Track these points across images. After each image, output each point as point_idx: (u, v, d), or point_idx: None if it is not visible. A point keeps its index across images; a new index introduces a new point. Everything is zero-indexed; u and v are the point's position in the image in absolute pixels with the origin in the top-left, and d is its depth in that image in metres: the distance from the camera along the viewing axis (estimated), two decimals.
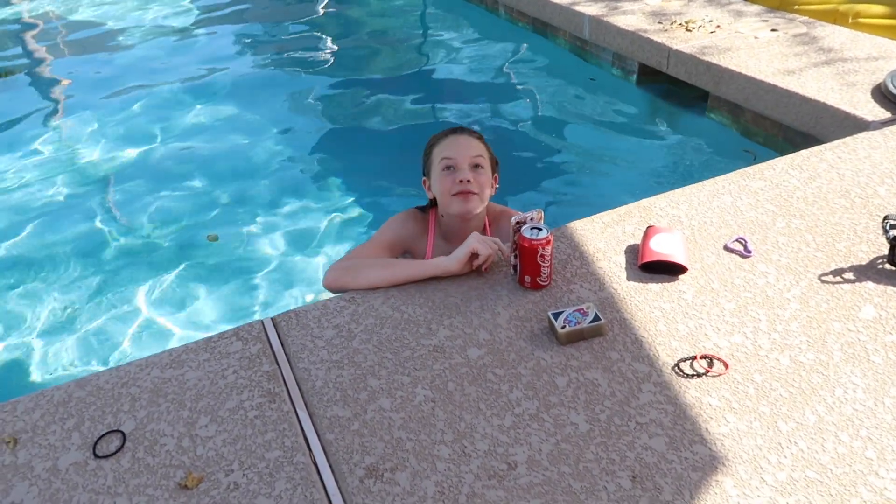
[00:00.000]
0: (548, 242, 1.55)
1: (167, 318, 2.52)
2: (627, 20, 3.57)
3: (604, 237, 1.80)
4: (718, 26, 3.33)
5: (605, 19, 3.62)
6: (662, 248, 1.66)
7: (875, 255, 1.67)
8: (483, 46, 4.75)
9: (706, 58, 2.99)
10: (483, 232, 1.88)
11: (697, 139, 3.20)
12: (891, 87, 2.46)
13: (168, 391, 1.41)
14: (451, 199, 1.73)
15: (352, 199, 3.13)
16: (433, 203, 1.87)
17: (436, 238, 1.87)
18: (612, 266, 1.69)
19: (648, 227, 1.74)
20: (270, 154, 3.55)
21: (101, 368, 2.26)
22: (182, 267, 2.74)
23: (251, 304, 2.56)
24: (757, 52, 3.01)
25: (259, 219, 3.01)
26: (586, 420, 1.29)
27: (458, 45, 4.80)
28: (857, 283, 1.59)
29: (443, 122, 3.84)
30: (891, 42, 3.00)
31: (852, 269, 1.64)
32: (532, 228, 1.56)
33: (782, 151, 2.75)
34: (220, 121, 3.96)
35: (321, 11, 5.85)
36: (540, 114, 3.76)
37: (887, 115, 2.36)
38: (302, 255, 2.79)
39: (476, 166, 1.75)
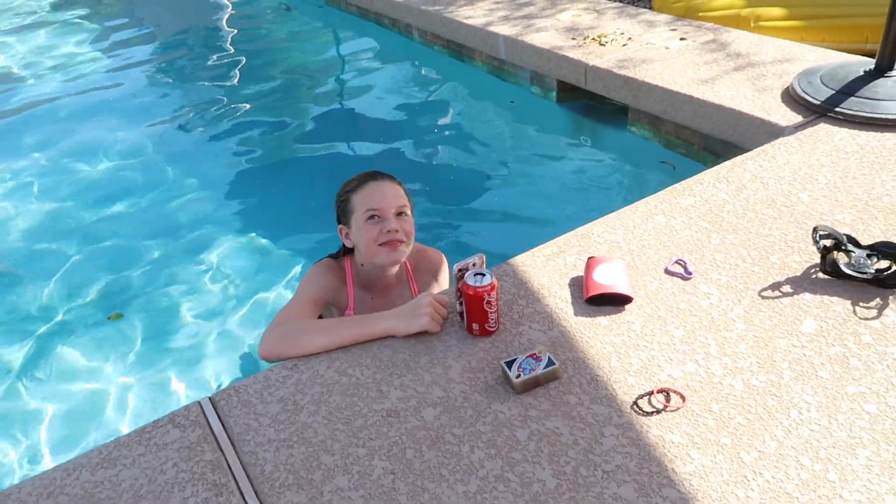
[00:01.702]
0: (493, 288, 1.51)
1: (90, 411, 2.31)
2: (542, 38, 3.60)
3: (546, 272, 1.78)
4: (630, 38, 3.40)
5: (520, 38, 3.65)
6: (606, 279, 1.65)
7: (808, 265, 1.71)
8: (399, 72, 4.71)
9: (623, 72, 3.04)
10: (405, 276, 1.83)
11: (621, 154, 3.25)
12: (798, 90, 2.56)
13: (101, 497, 1.29)
14: (378, 249, 1.67)
15: (268, 250, 2.99)
16: (346, 250, 1.81)
17: (355, 287, 1.81)
18: (558, 302, 1.67)
19: (590, 259, 1.73)
20: (171, 212, 3.32)
21: (20, 478, 2.08)
22: (95, 350, 2.53)
23: (181, 384, 2.38)
24: (670, 62, 3.09)
25: (169, 286, 2.81)
26: (553, 475, 1.25)
27: (372, 72, 4.73)
28: (795, 296, 1.62)
29: (360, 156, 3.73)
30: (793, 44, 3.14)
31: (789, 281, 1.67)
32: (475, 275, 1.52)
33: (704, 161, 2.82)
34: (109, 177, 3.70)
35: (226, 45, 5.69)
36: (462, 140, 3.74)
37: (798, 118, 2.44)
38: (225, 320, 2.62)
39: (401, 213, 1.70)
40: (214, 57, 5.38)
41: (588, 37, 3.50)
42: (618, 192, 3.05)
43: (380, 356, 1.55)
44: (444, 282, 1.87)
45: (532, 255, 1.85)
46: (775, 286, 1.66)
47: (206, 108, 4.41)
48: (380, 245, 1.66)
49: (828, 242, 1.64)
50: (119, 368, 2.45)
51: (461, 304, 1.59)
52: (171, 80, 5.01)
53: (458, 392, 1.44)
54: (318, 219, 3.12)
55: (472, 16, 4.14)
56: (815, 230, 1.65)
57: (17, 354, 2.54)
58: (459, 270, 1.55)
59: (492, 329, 1.57)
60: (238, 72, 5.03)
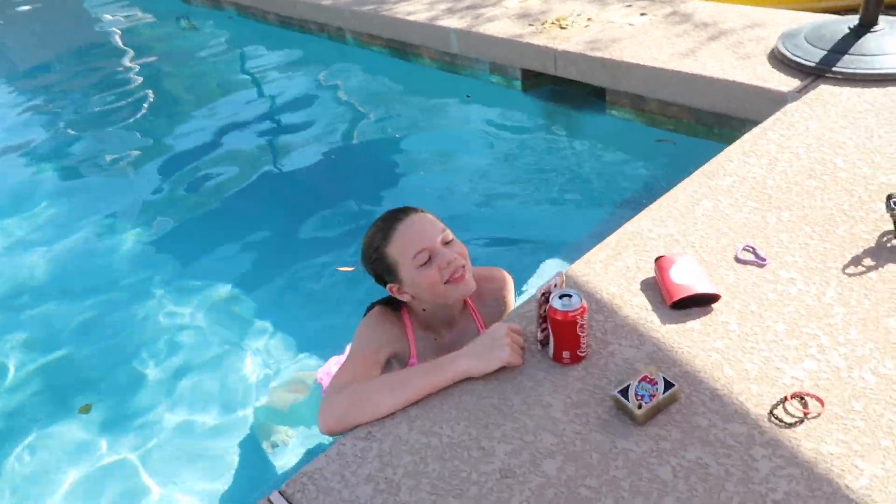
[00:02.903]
0: (584, 311, 1.34)
1: None
2: (497, 27, 3.45)
3: (610, 279, 1.62)
4: (590, 19, 3.30)
5: (474, 30, 3.48)
6: (685, 279, 1.51)
7: (878, 233, 1.64)
8: (336, 81, 4.41)
9: (597, 53, 2.93)
10: (463, 305, 1.63)
11: (605, 139, 3.14)
12: (787, 53, 2.52)
13: None
14: (446, 288, 1.46)
15: (235, 298, 2.68)
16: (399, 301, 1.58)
17: (416, 332, 1.59)
18: (638, 311, 1.51)
19: (659, 259, 1.58)
20: (101, 268, 2.92)
21: None
22: (68, 452, 2.15)
23: (224, 482, 2.03)
24: (641, 39, 3.00)
25: (136, 359, 2.43)
26: None
27: (305, 85, 4.39)
28: (881, 269, 1.53)
29: (309, 183, 3.38)
30: (753, 9, 3.12)
31: (867, 253, 1.58)
32: (561, 297, 1.34)
33: (697, 135, 2.75)
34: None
35: (125, 75, 5.16)
36: (425, 145, 3.53)
37: (796, 82, 2.40)
38: (240, 393, 2.29)
39: (449, 241, 1.49)
40: (115, 89, 4.79)
41: (546, 21, 3.37)
42: (614, 179, 2.94)
43: (465, 405, 1.35)
44: (511, 302, 1.67)
45: (587, 263, 1.69)
46: (856, 261, 1.57)
47: (110, 149, 3.93)
48: (446, 283, 1.45)
49: None
50: (109, 473, 2.08)
51: (543, 330, 1.41)
52: (66, 119, 4.47)
53: (573, 434, 1.26)
54: (281, 255, 2.86)
55: (414, 11, 3.94)
56: (889, 196, 1.57)
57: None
58: (543, 294, 1.37)
59: (583, 354, 1.40)
60: (146, 104, 4.51)
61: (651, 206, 1.86)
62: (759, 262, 1.60)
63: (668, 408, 1.28)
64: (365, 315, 1.63)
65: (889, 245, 1.60)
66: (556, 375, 1.38)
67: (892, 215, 1.57)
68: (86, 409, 2.25)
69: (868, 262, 1.56)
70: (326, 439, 2.23)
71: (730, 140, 2.19)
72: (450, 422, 1.32)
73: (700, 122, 2.70)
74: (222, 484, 2.02)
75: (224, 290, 2.71)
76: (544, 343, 1.43)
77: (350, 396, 1.35)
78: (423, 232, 1.46)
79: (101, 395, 2.33)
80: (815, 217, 1.72)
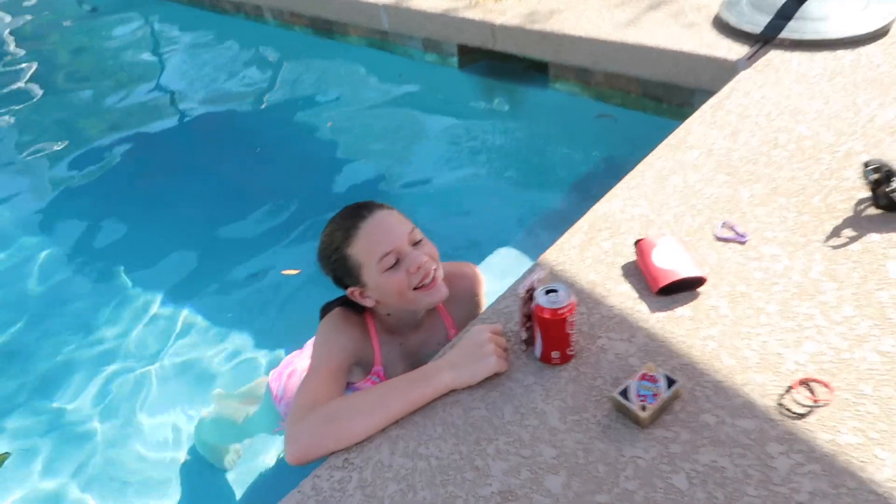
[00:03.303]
0: (574, 307, 1.22)
1: None
2: (430, 2, 3.27)
3: (587, 266, 1.51)
4: None
5: (405, 6, 3.29)
6: (669, 262, 1.41)
7: (853, 202, 1.59)
8: (256, 63, 4.10)
9: (537, 26, 2.81)
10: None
11: (550, 114, 3.03)
12: (732, 20, 2.47)
13: None
14: (415, 294, 1.31)
15: (146, 298, 2.45)
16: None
17: (380, 335, 1.44)
18: (624, 301, 1.41)
19: (639, 243, 1.48)
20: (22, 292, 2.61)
21: None
22: None
23: None
24: (581, 10, 2.90)
25: (76, 381, 2.18)
26: None
27: (223, 69, 4.07)
28: (862, 239, 1.48)
29: (233, 177, 3.12)
30: None
31: (846, 223, 1.53)
32: (547, 293, 1.22)
33: (645, 108, 2.68)
34: None
35: (25, 49, 4.70)
36: (357, 130, 3.32)
37: (745, 49, 2.35)
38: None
39: (418, 241, 1.34)
40: (8, 79, 4.36)
41: None
42: (562, 156, 2.84)
43: (451, 420, 1.21)
44: (483, 299, 1.53)
45: (561, 250, 1.57)
46: (837, 232, 1.51)
47: (18, 148, 3.56)
48: (415, 290, 1.30)
49: (877, 175, 1.52)
50: None
51: (528, 329, 1.29)
52: None
53: (574, 444, 1.14)
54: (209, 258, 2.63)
55: None
56: (866, 164, 1.52)
57: None
58: (527, 292, 1.24)
59: (573, 353, 1.28)
60: (47, 93, 4.11)
61: (619, 184, 1.76)
62: (740, 238, 1.53)
63: (672, 405, 1.18)
64: (322, 317, 1.45)
65: (865, 214, 1.55)
66: (547, 378, 1.26)
67: (867, 183, 1.53)
68: (1, 459, 1.98)
69: (849, 232, 1.51)
70: (278, 451, 2.07)
71: (678, 113, 2.12)
72: (436, 440, 1.17)
73: (648, 93, 2.63)
74: None
75: (151, 295, 2.47)
76: (529, 343, 1.31)
77: (320, 421, 1.18)
78: (390, 231, 1.30)
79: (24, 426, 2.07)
80: (787, 188, 1.67)
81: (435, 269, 1.31)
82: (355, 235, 1.29)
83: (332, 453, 1.18)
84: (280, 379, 1.75)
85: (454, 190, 2.78)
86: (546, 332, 1.24)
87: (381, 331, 1.44)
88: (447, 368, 1.23)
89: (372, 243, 1.28)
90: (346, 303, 1.44)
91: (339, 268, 1.33)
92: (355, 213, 1.31)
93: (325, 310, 1.48)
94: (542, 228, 2.37)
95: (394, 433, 1.19)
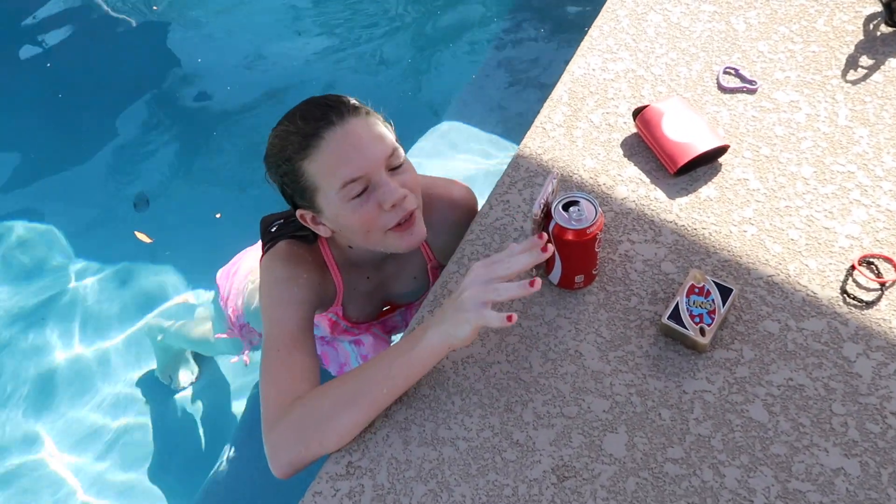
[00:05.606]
0: (602, 222, 0.97)
1: None
2: None
3: (579, 149, 1.24)
4: None
5: None
6: (685, 134, 1.17)
7: (860, 20, 1.36)
8: None
9: None
10: None
11: None
12: None
13: None
14: (386, 236, 1.01)
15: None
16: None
17: (342, 272, 1.16)
18: (635, 189, 1.17)
19: (640, 112, 1.21)
20: None
21: None
22: None
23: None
24: None
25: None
26: (842, 453, 0.86)
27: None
28: (882, 68, 1.27)
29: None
30: None
31: (860, 49, 1.31)
32: (565, 207, 0.96)
33: None
34: None
35: None
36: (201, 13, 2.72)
37: None
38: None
39: (398, 166, 1.02)
40: None
41: None
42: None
43: (468, 385, 0.98)
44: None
45: (543, 130, 1.28)
46: (852, 63, 1.29)
47: None
48: (389, 230, 1.00)
49: None
50: None
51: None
52: None
53: (625, 390, 0.95)
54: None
55: None
56: None
57: None
58: (542, 209, 0.97)
59: (597, 273, 1.06)
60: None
61: (591, 33, 1.45)
62: (749, 86, 1.28)
63: (726, 317, 1.00)
64: (265, 251, 1.14)
65: (879, 34, 1.33)
66: (572, 308, 1.04)
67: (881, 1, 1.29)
68: None
69: (866, 60, 1.29)
70: (247, 382, 1.89)
71: None
72: (457, 415, 0.95)
73: None
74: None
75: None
76: (543, 268, 1.07)
77: (298, 425, 0.91)
78: (362, 150, 0.96)
79: None
80: (785, 12, 1.41)
81: (412, 210, 1.00)
82: (315, 147, 0.95)
83: (317, 457, 0.94)
84: (227, 277, 1.50)
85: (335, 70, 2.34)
86: (569, 255, 1.00)
87: (343, 266, 1.16)
88: (434, 333, 0.91)
89: (335, 163, 0.95)
90: (292, 226, 1.13)
91: (289, 182, 1.01)
92: (321, 116, 0.96)
93: (266, 232, 1.17)
94: (473, 98, 2.03)
95: (401, 416, 0.96)
